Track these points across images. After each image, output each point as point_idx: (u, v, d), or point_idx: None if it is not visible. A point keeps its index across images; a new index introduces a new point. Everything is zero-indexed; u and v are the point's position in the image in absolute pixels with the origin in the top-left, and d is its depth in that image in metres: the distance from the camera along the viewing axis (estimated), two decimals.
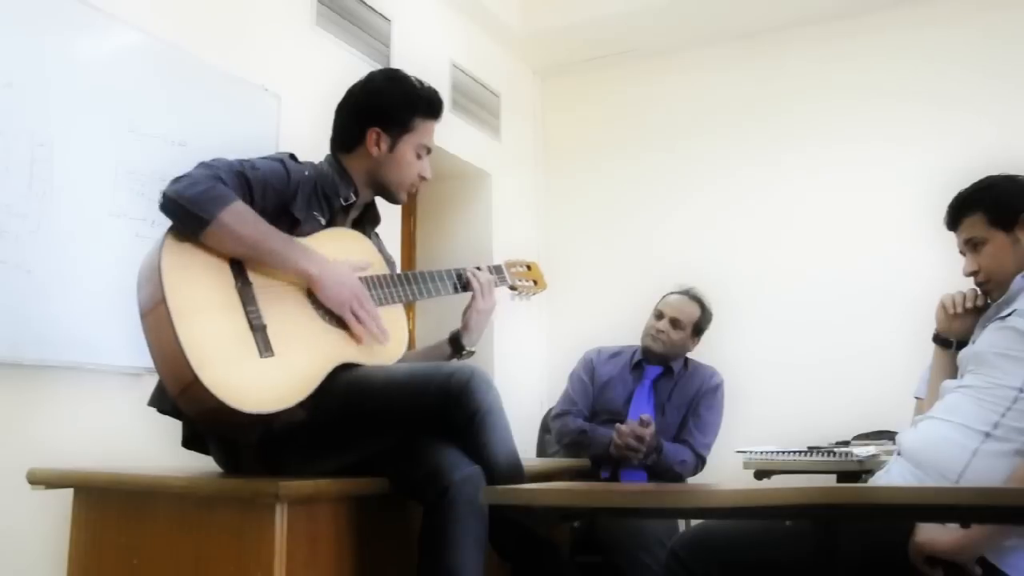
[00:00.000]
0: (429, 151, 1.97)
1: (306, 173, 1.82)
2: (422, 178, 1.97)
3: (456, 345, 2.03)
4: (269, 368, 1.61)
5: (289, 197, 1.78)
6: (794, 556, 1.56)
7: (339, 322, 1.77)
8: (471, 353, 2.04)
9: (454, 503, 1.58)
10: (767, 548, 1.83)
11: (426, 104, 1.93)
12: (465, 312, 2.02)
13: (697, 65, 4.52)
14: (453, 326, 2.06)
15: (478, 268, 2.04)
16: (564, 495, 1.37)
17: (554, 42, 4.60)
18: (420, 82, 1.95)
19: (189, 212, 1.62)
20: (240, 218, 1.65)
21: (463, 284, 2.00)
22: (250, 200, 1.70)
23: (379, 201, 2.02)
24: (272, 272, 1.72)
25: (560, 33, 4.52)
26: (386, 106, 1.89)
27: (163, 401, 1.72)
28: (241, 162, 1.73)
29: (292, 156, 1.86)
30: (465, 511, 1.58)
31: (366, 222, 2.00)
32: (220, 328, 1.60)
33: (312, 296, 1.76)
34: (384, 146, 1.89)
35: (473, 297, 2.00)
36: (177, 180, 1.65)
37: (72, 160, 2.34)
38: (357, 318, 1.74)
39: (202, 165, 1.68)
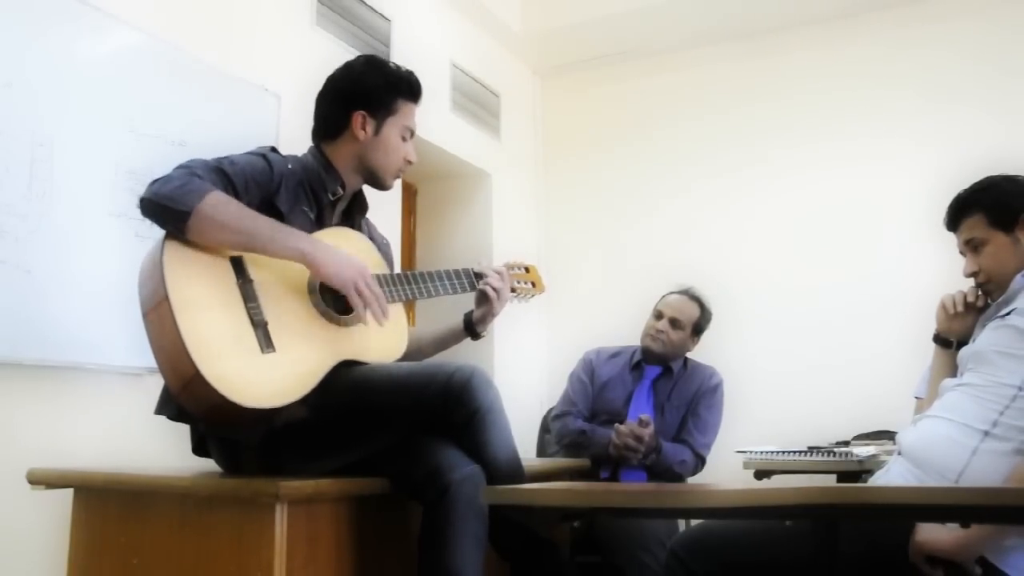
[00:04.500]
0: (413, 134, 1.97)
1: (289, 166, 1.82)
2: (408, 162, 1.96)
3: (471, 331, 2.08)
4: (270, 364, 1.62)
5: (272, 191, 1.77)
6: (794, 556, 1.56)
7: (340, 319, 1.77)
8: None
9: (454, 502, 1.58)
10: (767, 548, 1.83)
11: (407, 86, 1.94)
12: (479, 309, 2.05)
13: (697, 65, 4.52)
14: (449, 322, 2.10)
15: (488, 267, 2.06)
16: (564, 495, 1.37)
17: (554, 42, 4.60)
18: (398, 66, 1.96)
19: (167, 208, 1.61)
20: (220, 206, 1.63)
21: (475, 284, 2.02)
22: (233, 194, 1.70)
23: (372, 192, 2.02)
24: (272, 268, 1.72)
25: (560, 33, 4.52)
26: (370, 89, 1.90)
27: (169, 408, 1.72)
28: (218, 159, 1.73)
29: (273, 149, 1.86)
30: (465, 511, 1.58)
31: (355, 211, 2.00)
32: (221, 324, 1.60)
33: (313, 293, 1.76)
34: (370, 129, 1.89)
35: (490, 302, 2.02)
36: (153, 183, 1.65)
37: (72, 160, 2.34)
38: (361, 296, 1.70)
39: (178, 166, 1.68)
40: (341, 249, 1.75)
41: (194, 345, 1.53)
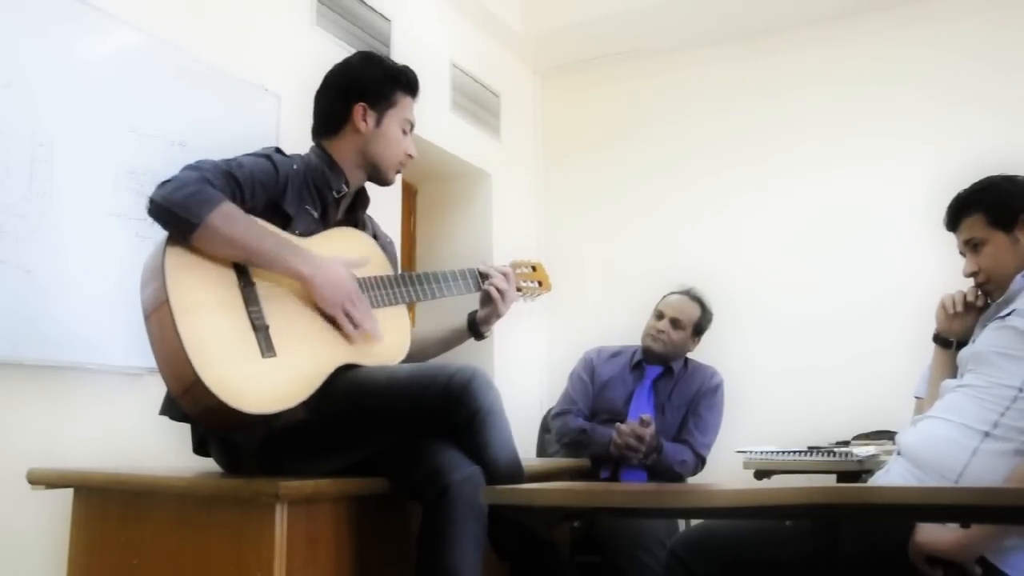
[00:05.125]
0: (412, 127, 1.98)
1: (294, 166, 1.82)
2: (409, 156, 1.97)
3: (475, 331, 2.07)
4: (271, 368, 1.61)
5: (279, 192, 1.77)
6: (794, 556, 1.56)
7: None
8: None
9: (454, 503, 1.58)
10: (767, 548, 1.83)
11: (405, 79, 1.95)
12: (483, 309, 2.04)
13: (698, 64, 4.52)
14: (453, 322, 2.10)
15: (493, 268, 2.05)
16: (564, 495, 1.37)
17: (554, 42, 4.60)
18: (394, 61, 1.98)
19: (177, 216, 1.61)
20: (230, 220, 1.64)
21: (480, 284, 2.02)
22: (240, 199, 1.69)
23: (372, 193, 2.02)
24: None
25: (560, 33, 4.52)
26: (369, 81, 1.91)
27: (173, 409, 1.71)
28: (227, 161, 1.72)
29: (278, 150, 1.86)
30: (465, 511, 1.58)
31: (358, 206, 2.01)
32: (222, 328, 1.60)
33: None
34: (371, 121, 1.90)
35: (494, 304, 2.01)
36: (163, 184, 1.64)
37: (72, 160, 2.34)
38: (349, 317, 1.73)
39: (188, 167, 1.67)
40: (342, 256, 1.76)
41: (194, 349, 1.53)
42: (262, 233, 1.69)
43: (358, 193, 2.00)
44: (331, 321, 1.75)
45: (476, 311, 2.07)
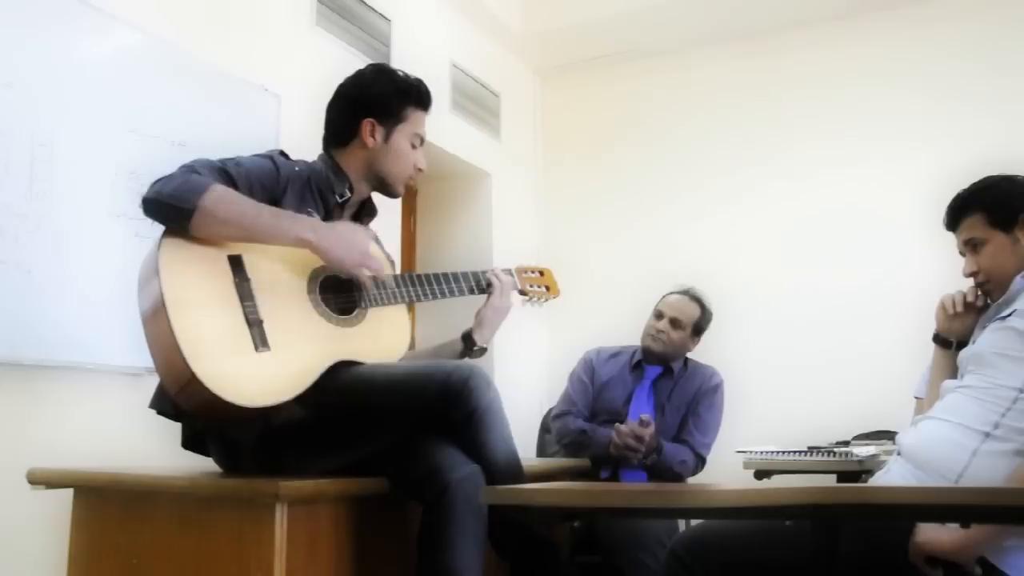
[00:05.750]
0: (423, 141, 1.97)
1: (296, 169, 1.83)
2: (418, 169, 1.97)
3: (468, 342, 2.05)
4: (264, 362, 1.62)
5: (279, 193, 1.77)
6: (794, 556, 1.55)
7: (338, 319, 1.77)
8: (483, 351, 2.07)
9: (453, 502, 1.58)
10: (767, 548, 1.83)
11: (417, 93, 1.95)
12: (480, 310, 2.04)
13: (698, 64, 4.52)
14: (453, 326, 2.08)
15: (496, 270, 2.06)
16: (564, 495, 1.37)
17: (554, 42, 4.60)
18: (407, 74, 1.97)
19: (170, 207, 1.62)
20: (222, 200, 1.64)
21: (482, 285, 2.02)
22: None
23: (377, 197, 2.02)
24: (271, 268, 1.71)
25: (560, 33, 4.52)
26: (378, 96, 1.91)
27: (163, 403, 1.72)
28: (224, 160, 1.73)
29: (282, 153, 1.87)
30: (464, 510, 1.58)
31: (363, 216, 2.01)
32: (216, 323, 1.60)
33: (312, 293, 1.76)
34: (379, 137, 1.90)
35: (491, 294, 2.01)
36: (155, 182, 1.65)
37: (72, 160, 2.34)
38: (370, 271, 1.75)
39: (182, 166, 1.69)
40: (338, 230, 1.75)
41: (187, 345, 1.53)
42: (258, 207, 1.68)
43: (364, 204, 2.00)
44: (326, 316, 1.75)
45: (471, 328, 2.05)
